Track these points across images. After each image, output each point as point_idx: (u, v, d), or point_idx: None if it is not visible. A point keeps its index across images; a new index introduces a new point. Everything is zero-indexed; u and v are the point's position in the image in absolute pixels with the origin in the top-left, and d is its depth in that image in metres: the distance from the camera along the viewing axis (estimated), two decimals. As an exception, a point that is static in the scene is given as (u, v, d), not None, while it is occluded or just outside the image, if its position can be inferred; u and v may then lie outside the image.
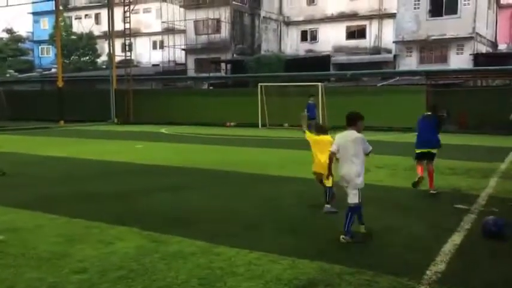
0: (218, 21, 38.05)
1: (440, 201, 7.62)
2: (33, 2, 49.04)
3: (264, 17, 40.55)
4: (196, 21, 39.26)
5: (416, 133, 8.70)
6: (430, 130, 8.34)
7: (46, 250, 5.18)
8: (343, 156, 5.59)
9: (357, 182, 5.48)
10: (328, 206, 6.89)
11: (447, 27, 31.47)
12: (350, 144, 5.53)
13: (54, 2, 32.55)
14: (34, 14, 56.12)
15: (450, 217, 6.55)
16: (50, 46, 51.55)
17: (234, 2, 37.97)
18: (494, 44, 36.01)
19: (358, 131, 5.60)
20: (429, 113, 8.79)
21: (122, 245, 5.35)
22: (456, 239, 5.55)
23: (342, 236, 5.44)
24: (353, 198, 5.51)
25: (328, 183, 6.78)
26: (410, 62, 33.27)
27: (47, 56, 55.40)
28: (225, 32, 38.12)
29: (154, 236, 5.68)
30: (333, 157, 5.79)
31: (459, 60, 31.21)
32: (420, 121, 8.56)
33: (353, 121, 5.64)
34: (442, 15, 31.76)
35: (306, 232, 5.90)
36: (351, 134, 5.59)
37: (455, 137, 17.74)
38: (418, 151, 8.42)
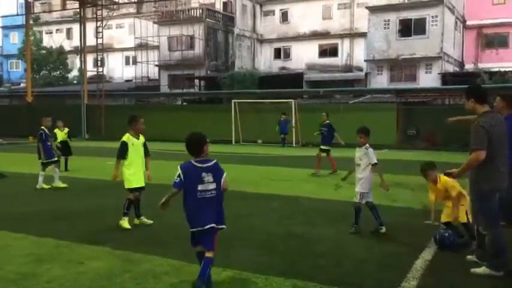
0: (192, 37, 38.12)
1: (412, 218, 7.73)
2: (2, 16, 48.28)
3: (237, 34, 40.87)
4: (169, 38, 39.23)
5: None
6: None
7: (12, 271, 5.01)
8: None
9: None
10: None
11: (416, 47, 32.35)
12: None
13: (24, 16, 32.08)
14: (3, 28, 55.14)
15: (421, 233, 6.64)
16: (20, 60, 50.60)
17: (208, 19, 38.16)
18: (461, 64, 37.15)
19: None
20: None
21: (93, 264, 5.22)
22: (427, 255, 5.62)
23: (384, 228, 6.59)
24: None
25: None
26: (381, 80, 33.98)
27: (16, 70, 54.35)
28: (198, 48, 38.20)
29: (126, 255, 5.57)
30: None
31: (428, 79, 32.06)
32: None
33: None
34: (411, 36, 32.66)
35: (280, 250, 5.89)
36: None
37: (424, 154, 18.11)
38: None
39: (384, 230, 6.64)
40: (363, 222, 7.31)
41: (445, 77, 31.46)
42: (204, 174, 4.36)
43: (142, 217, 7.27)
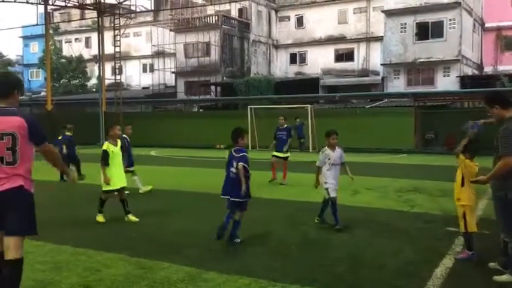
0: (208, 44, 38.34)
1: (431, 224, 7.60)
2: (23, 26, 49.20)
3: (253, 40, 40.98)
4: (186, 45, 39.54)
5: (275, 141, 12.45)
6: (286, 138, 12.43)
7: (30, 278, 5.04)
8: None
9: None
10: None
11: (434, 50, 31.98)
12: None
13: (44, 26, 32.66)
14: (24, 38, 56.21)
15: (442, 240, 6.52)
16: (40, 69, 51.48)
17: (223, 26, 38.36)
18: (480, 67, 36.61)
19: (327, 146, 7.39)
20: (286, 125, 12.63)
21: (109, 272, 5.24)
22: (448, 262, 5.51)
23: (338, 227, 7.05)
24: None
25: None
26: (398, 84, 33.66)
27: (37, 79, 55.30)
28: (214, 55, 38.40)
29: (142, 262, 5.58)
30: None
31: (446, 83, 31.64)
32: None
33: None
34: (428, 39, 32.31)
35: (297, 257, 5.83)
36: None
37: (444, 158, 17.84)
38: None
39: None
40: (382, 228, 7.22)
41: (464, 80, 31.00)
42: (234, 161, 6.31)
43: (129, 215, 7.97)
